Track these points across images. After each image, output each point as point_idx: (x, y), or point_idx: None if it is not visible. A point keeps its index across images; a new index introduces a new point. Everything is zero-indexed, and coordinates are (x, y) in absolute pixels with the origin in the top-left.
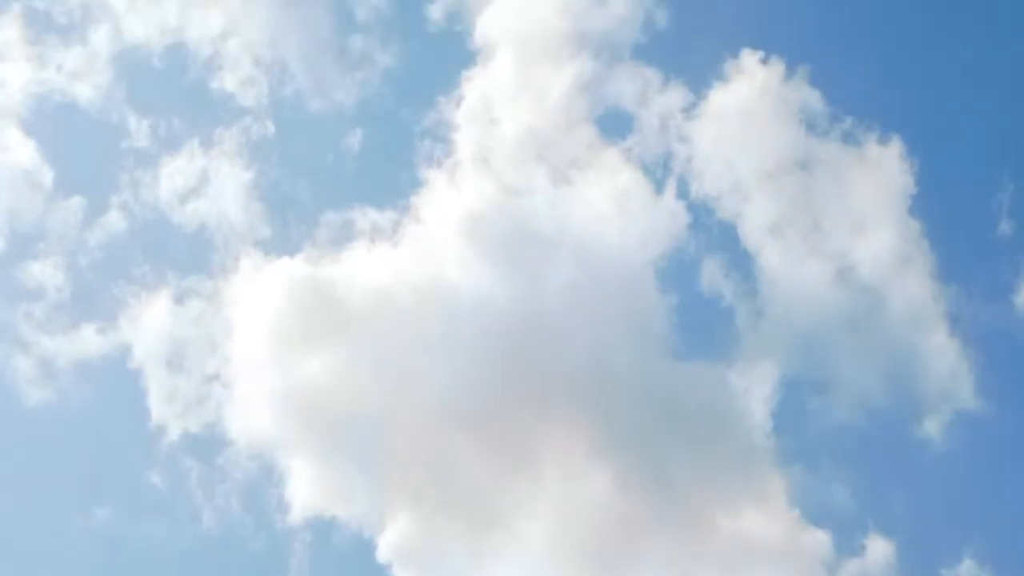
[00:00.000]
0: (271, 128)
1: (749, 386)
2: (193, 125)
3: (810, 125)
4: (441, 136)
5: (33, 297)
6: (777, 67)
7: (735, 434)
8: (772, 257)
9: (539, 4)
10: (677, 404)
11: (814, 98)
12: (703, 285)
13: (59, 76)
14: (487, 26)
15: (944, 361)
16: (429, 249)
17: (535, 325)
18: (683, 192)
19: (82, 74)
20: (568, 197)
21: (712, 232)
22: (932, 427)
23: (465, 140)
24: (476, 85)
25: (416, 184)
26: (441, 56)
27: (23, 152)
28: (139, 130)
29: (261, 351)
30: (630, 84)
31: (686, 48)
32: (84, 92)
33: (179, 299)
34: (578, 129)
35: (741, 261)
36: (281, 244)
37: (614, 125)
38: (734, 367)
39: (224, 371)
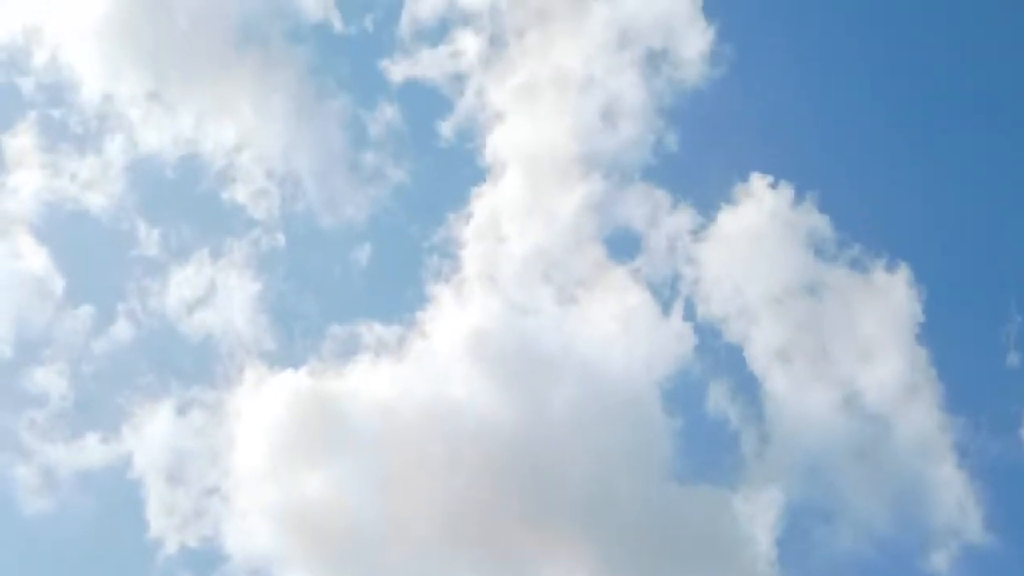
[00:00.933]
0: (281, 241)
1: (754, 512)
2: (203, 235)
3: (818, 250)
4: (449, 252)
5: (36, 404)
6: (786, 192)
7: (739, 561)
8: (779, 382)
9: (550, 124)
10: (680, 528)
11: (823, 224)
12: (709, 408)
13: (72, 185)
14: (497, 144)
15: (951, 493)
16: (434, 365)
17: (538, 445)
18: (690, 314)
19: (95, 183)
20: (574, 316)
21: (719, 355)
22: (940, 560)
23: (473, 257)
24: (485, 202)
25: (423, 300)
26: (451, 173)
27: (35, 260)
28: (149, 239)
29: (262, 465)
30: (639, 205)
31: (696, 171)
32: (97, 201)
33: (182, 410)
34: (586, 249)
35: (748, 385)
36: (286, 356)
37: (622, 245)
38: (739, 492)
39: (224, 484)
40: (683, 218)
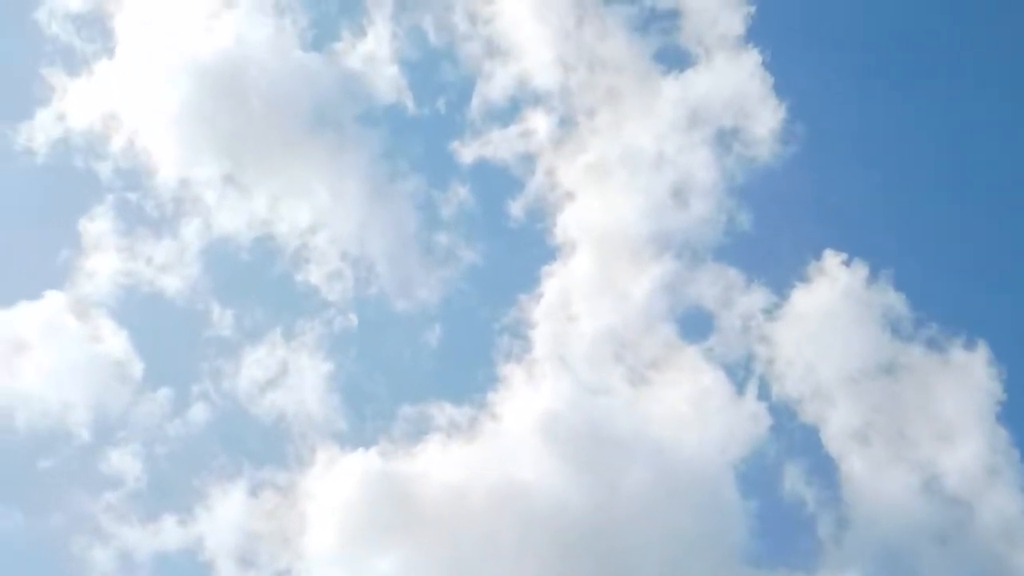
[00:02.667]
0: (353, 321)
1: None
2: (276, 316)
3: (894, 329)
4: (520, 333)
5: (112, 486)
6: (860, 270)
7: None
8: (856, 464)
9: (620, 203)
10: None
11: (898, 302)
12: (785, 490)
13: (148, 268)
14: (568, 224)
15: None
16: (504, 447)
17: (610, 528)
18: (765, 394)
19: (171, 266)
20: (646, 397)
21: (794, 436)
22: None
23: (543, 337)
24: (556, 282)
25: (493, 381)
26: (522, 253)
27: (114, 342)
28: (223, 320)
29: (333, 546)
30: (711, 284)
31: (768, 249)
32: (172, 283)
33: (254, 491)
34: (658, 328)
35: (824, 467)
36: (357, 437)
37: (694, 325)
38: None
39: (296, 566)
40: (756, 297)
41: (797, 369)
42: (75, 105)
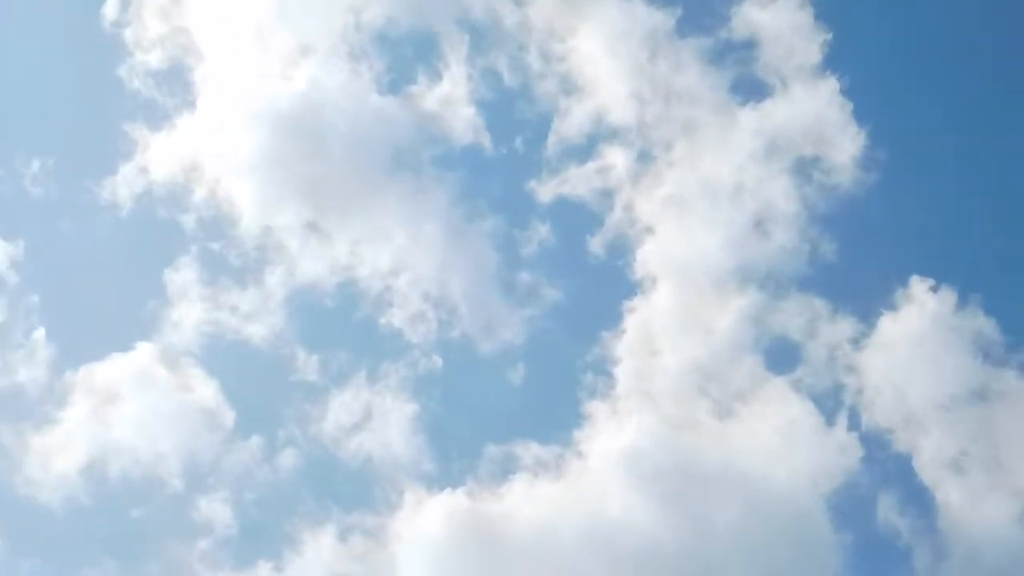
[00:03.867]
0: (437, 363)
1: None
2: (360, 360)
3: (986, 355)
4: (603, 370)
5: (204, 534)
6: (948, 296)
7: None
8: (951, 493)
9: (700, 237)
10: None
11: (989, 327)
12: (879, 522)
13: (233, 317)
14: (648, 258)
15: None
16: (591, 484)
17: (700, 565)
18: (855, 424)
19: (256, 314)
20: (734, 430)
21: (887, 466)
22: None
23: (627, 373)
24: (638, 317)
25: (578, 418)
26: (603, 289)
27: (205, 391)
28: (308, 365)
29: None
30: (796, 315)
31: (853, 278)
32: (257, 331)
33: (343, 535)
34: (743, 361)
35: (919, 497)
36: (444, 478)
37: (781, 356)
38: None
39: None
40: (843, 326)
41: (887, 398)
42: (157, 158)
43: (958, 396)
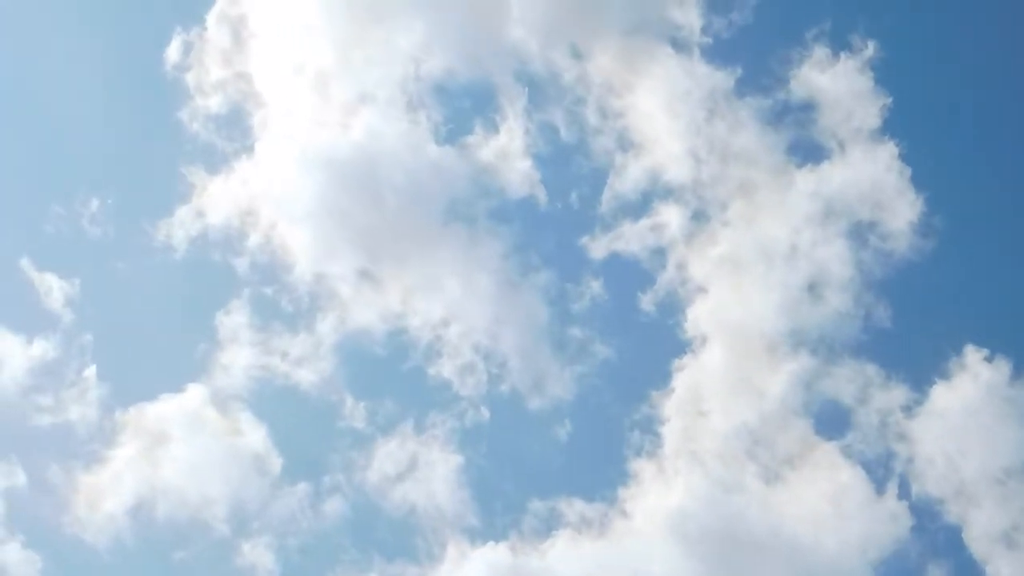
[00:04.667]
0: (485, 415)
1: None
2: (408, 409)
3: None
4: (651, 428)
5: None
6: (1003, 366)
7: None
8: (1002, 567)
9: (753, 298)
10: None
11: None
12: None
13: (283, 362)
14: (699, 317)
15: None
16: (635, 544)
17: None
18: (905, 493)
19: (306, 360)
20: (781, 495)
21: (937, 537)
22: None
23: (674, 433)
24: (687, 376)
25: (624, 477)
26: (653, 347)
27: (255, 436)
28: (355, 413)
29: None
30: (848, 381)
31: (907, 345)
32: (306, 377)
33: None
34: (793, 425)
35: (969, 570)
36: (487, 532)
37: (831, 422)
38: None
39: None
40: (895, 393)
41: (939, 468)
42: (214, 202)
43: (1011, 469)
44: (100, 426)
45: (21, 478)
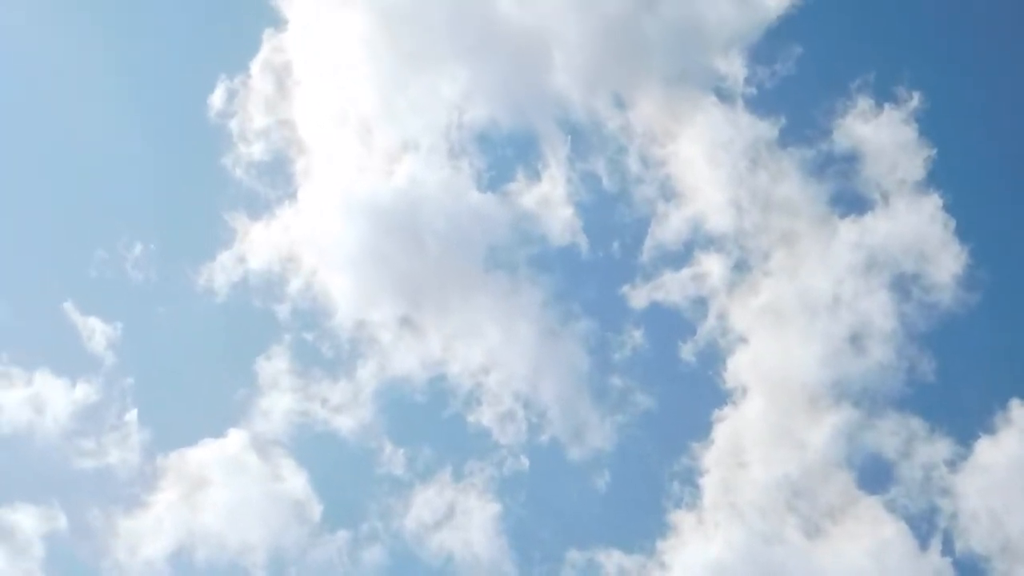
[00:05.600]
0: (524, 464)
1: None
2: (447, 457)
3: None
4: (690, 479)
5: None
6: None
7: None
8: None
9: (795, 349)
10: None
11: None
12: None
13: (323, 409)
14: (740, 368)
15: None
16: None
17: None
18: (949, 549)
19: (346, 406)
20: (823, 549)
21: None
22: None
23: (714, 485)
24: (727, 427)
25: (663, 528)
26: (693, 397)
27: (295, 482)
28: (394, 460)
29: None
30: (892, 434)
31: (951, 398)
32: (346, 423)
33: None
34: (835, 478)
35: None
36: None
37: (873, 475)
38: None
39: None
40: (939, 447)
41: (983, 523)
42: (255, 247)
43: None
44: (141, 470)
45: (62, 522)
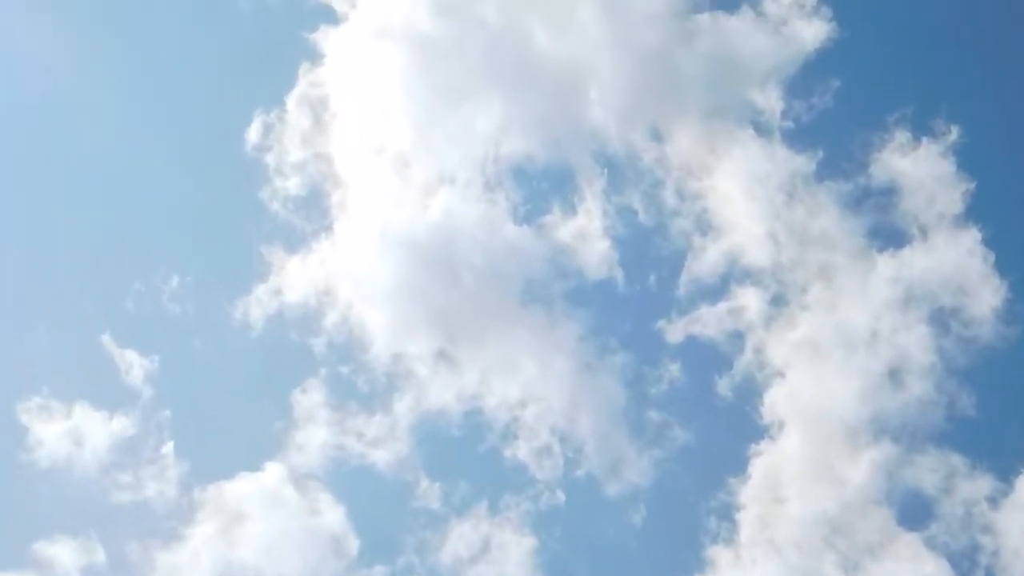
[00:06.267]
0: (560, 499)
1: None
2: (482, 490)
3: None
4: (727, 515)
5: None
6: None
7: None
8: None
9: (832, 384)
10: None
11: None
12: None
13: (359, 442)
14: (777, 403)
15: None
16: None
17: None
18: None
19: (381, 440)
20: None
21: None
22: None
23: (751, 520)
24: (764, 462)
25: (700, 564)
26: (729, 432)
27: (332, 516)
28: (430, 493)
29: None
30: (931, 470)
31: (992, 434)
32: (382, 457)
33: None
34: (873, 514)
35: None
36: None
37: (913, 511)
38: None
39: None
40: (980, 483)
41: None
42: (291, 281)
43: None
44: (178, 503)
45: (100, 555)
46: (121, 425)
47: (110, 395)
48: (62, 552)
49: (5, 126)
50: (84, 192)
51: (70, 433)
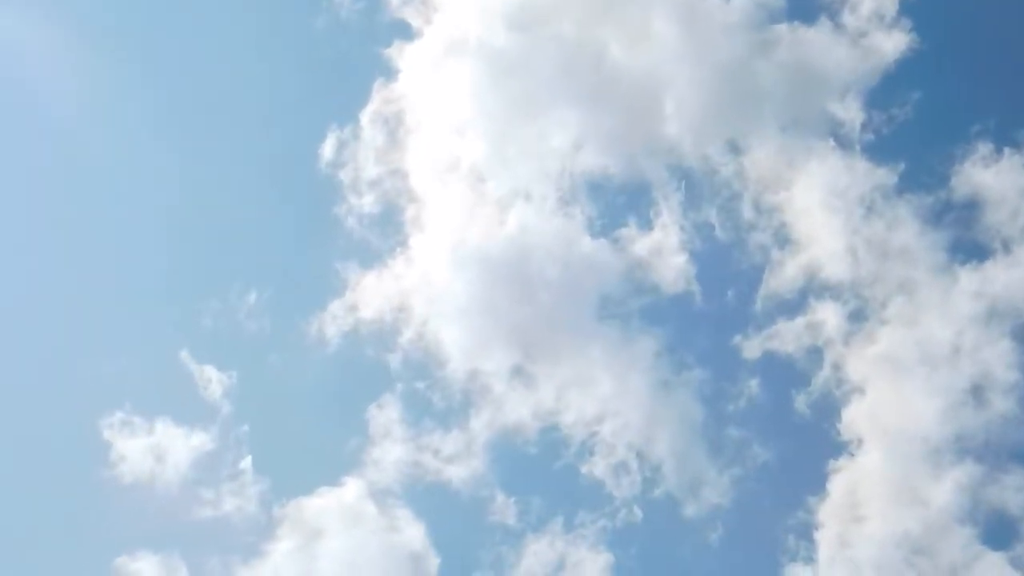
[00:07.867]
0: (637, 516)
1: None
2: (558, 507)
3: None
4: (805, 534)
5: None
6: None
7: None
8: None
9: (913, 400)
10: None
11: None
12: None
13: (435, 459)
14: (856, 419)
15: None
16: None
17: None
18: None
19: (458, 457)
20: None
21: None
22: None
23: (829, 539)
24: (843, 479)
25: None
26: (807, 449)
27: (412, 533)
28: (506, 509)
29: None
30: (1017, 490)
31: None
32: (458, 473)
33: None
34: (956, 534)
35: None
36: None
37: (998, 531)
38: None
39: None
40: None
41: None
42: (367, 297)
43: None
44: (258, 519)
45: (183, 571)
46: (200, 440)
47: (190, 411)
48: (144, 567)
49: (88, 147)
50: (163, 210)
51: (152, 449)
